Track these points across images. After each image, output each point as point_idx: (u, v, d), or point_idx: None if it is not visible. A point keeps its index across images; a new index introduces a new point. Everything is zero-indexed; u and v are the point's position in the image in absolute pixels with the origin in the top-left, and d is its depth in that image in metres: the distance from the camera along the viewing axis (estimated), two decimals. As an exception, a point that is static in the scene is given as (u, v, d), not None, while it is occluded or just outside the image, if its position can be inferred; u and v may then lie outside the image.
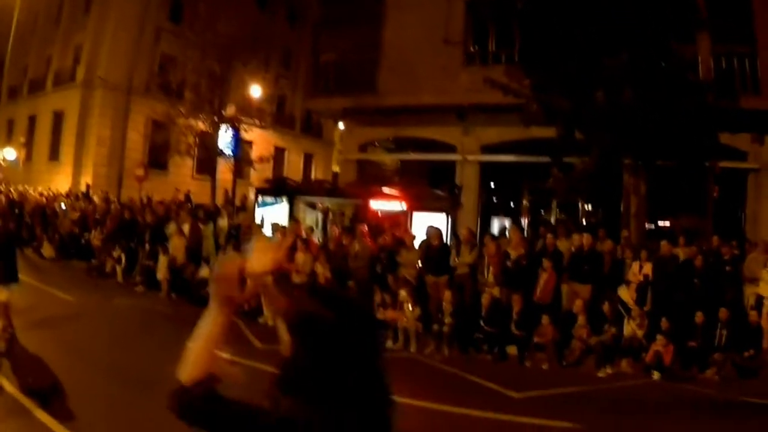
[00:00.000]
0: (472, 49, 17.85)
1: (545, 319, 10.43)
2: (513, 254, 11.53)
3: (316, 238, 14.37)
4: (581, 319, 10.37)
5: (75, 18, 31.80)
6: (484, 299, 11.04)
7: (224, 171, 24.30)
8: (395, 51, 18.08)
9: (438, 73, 17.01)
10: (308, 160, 39.55)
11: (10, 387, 6.62)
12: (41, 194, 23.21)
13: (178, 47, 23.22)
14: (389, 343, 10.79)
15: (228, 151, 23.87)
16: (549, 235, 12.18)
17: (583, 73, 12.20)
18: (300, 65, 32.81)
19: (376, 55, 18.56)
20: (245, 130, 24.06)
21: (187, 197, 20.19)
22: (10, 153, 31.36)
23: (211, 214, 15.85)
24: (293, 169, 35.97)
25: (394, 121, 18.61)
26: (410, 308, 11.06)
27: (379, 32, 18.62)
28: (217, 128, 22.33)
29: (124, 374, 7.80)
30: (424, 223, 13.65)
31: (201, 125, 22.11)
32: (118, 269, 14.83)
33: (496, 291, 11.33)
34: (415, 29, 17.62)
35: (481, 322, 10.80)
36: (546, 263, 11.17)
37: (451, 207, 16.16)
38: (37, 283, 13.31)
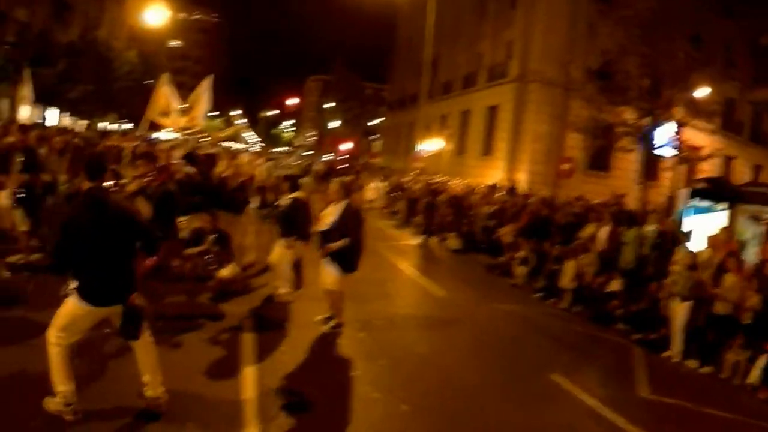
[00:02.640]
0: None
1: None
2: None
3: (751, 256, 14.45)
4: None
5: (502, 14, 39.50)
6: None
7: (671, 177, 27.41)
8: None
9: None
10: (756, 172, 41.34)
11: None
12: (468, 187, 28.48)
13: (616, 39, 25.98)
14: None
15: (668, 151, 26.44)
16: None
17: None
18: (745, 63, 34.02)
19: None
20: (680, 124, 25.95)
21: (618, 200, 22.03)
22: (432, 144, 40.01)
23: (636, 218, 16.84)
24: (738, 180, 37.04)
25: None
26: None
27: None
28: (656, 126, 25.08)
29: (429, 403, 7.67)
30: None
31: (641, 123, 25.10)
32: (521, 270, 16.64)
33: None
34: None
35: None
36: None
37: None
38: (417, 274, 15.93)
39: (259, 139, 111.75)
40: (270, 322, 9.95)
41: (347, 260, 9.71)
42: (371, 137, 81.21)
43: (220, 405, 6.78)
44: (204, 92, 19.31)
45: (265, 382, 7.43)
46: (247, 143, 71.52)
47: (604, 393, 9.09)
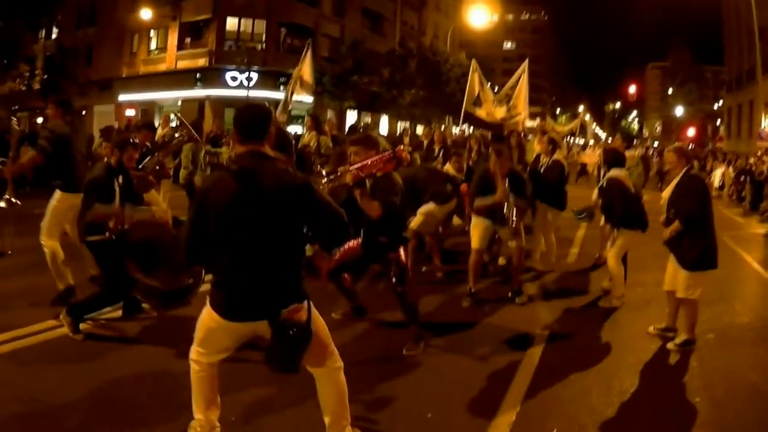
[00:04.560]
0: None
1: None
2: None
3: None
4: None
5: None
6: None
7: None
8: None
9: None
10: None
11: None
12: None
13: None
14: None
15: None
16: None
17: None
18: None
19: None
20: None
21: None
22: None
23: None
24: None
25: None
26: None
27: None
28: None
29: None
30: None
31: None
32: None
33: None
34: None
35: None
36: None
37: None
38: (762, 269, 12.73)
39: (604, 134, 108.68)
40: (574, 335, 7.67)
41: (695, 252, 7.03)
42: (716, 122, 75.15)
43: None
44: (520, 79, 17.47)
45: (528, 428, 5.11)
46: (593, 137, 69.04)
47: None
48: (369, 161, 6.26)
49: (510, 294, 8.98)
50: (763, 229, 18.13)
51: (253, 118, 4.11)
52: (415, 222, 9.66)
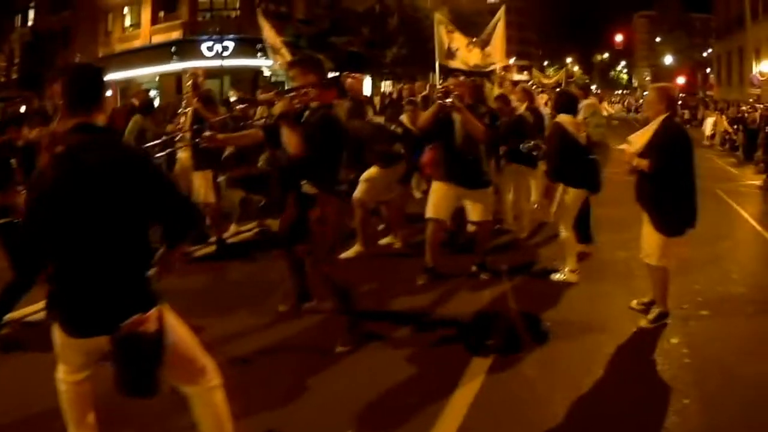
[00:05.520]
0: None
1: None
2: None
3: None
4: None
5: None
6: None
7: None
8: None
9: None
10: None
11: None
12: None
13: None
14: None
15: None
16: None
17: None
18: None
19: None
20: None
21: None
22: (766, 68, 36.62)
23: None
24: None
25: None
26: None
27: None
28: None
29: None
30: None
31: None
32: None
33: None
34: None
35: None
36: None
37: None
38: (760, 227, 11.16)
39: (593, 86, 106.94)
40: (543, 317, 6.33)
41: (674, 215, 5.87)
42: (705, 70, 73.93)
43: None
44: (497, 26, 16.26)
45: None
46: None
47: None
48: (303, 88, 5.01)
49: (474, 268, 7.71)
50: (759, 180, 16.90)
51: (81, 83, 3.21)
52: (358, 191, 8.37)
